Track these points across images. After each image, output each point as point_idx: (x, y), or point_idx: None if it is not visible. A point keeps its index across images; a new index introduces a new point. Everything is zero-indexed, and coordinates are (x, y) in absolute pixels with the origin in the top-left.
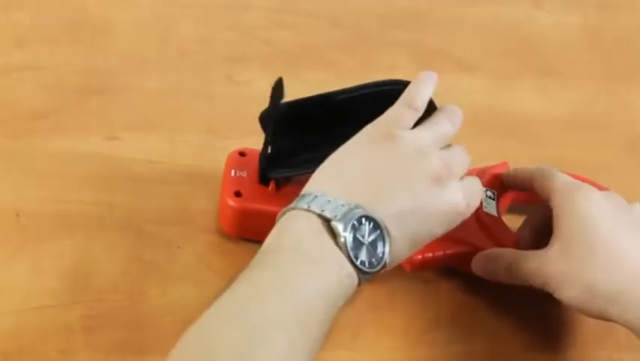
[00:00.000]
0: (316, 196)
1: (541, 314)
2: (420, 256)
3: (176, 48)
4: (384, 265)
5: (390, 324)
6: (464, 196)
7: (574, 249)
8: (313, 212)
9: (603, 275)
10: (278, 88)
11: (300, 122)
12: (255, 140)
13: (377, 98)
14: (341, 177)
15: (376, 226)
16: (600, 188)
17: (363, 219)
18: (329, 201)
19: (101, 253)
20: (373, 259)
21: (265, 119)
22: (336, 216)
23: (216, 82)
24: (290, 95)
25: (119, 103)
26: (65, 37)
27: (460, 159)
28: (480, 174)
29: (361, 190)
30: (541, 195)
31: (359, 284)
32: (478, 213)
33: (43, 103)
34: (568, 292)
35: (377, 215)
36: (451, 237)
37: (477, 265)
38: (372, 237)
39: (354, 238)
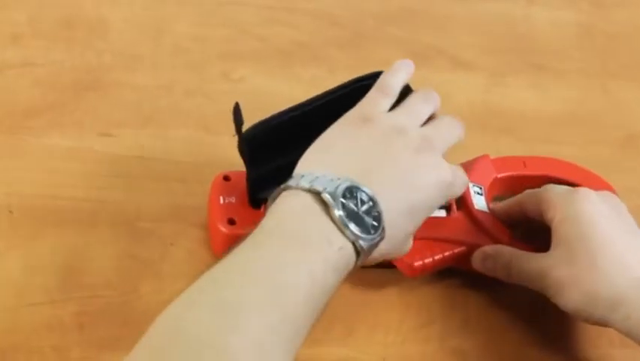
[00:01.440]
0: (303, 175)
1: (534, 311)
2: (420, 262)
3: (171, 45)
4: (382, 232)
5: (384, 320)
6: (449, 167)
7: (575, 255)
8: (302, 188)
9: (605, 282)
10: (236, 114)
11: (281, 139)
12: None
13: (358, 93)
14: (326, 156)
15: (367, 196)
16: (602, 184)
17: (354, 190)
18: (317, 177)
19: (94, 250)
20: (370, 228)
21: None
22: (325, 188)
23: (210, 79)
24: (285, 92)
25: (113, 100)
26: (60, 35)
27: (444, 132)
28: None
29: (348, 165)
30: (535, 215)
31: (358, 256)
32: (471, 212)
33: (38, 100)
34: (568, 299)
35: (367, 186)
36: (447, 238)
37: (476, 261)
38: (364, 207)
39: (347, 208)
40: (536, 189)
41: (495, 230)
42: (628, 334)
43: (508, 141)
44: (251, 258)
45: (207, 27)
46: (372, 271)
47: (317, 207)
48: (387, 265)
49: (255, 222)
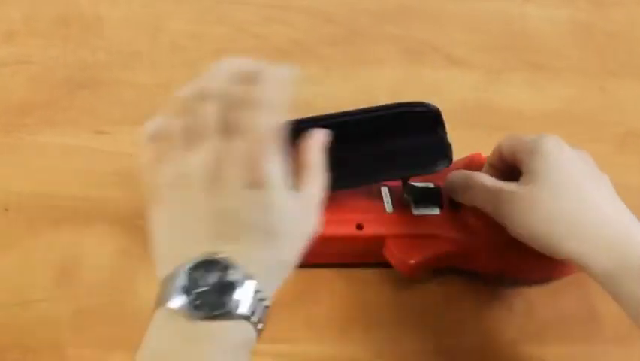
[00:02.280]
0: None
1: (528, 309)
2: (414, 261)
3: (167, 43)
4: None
5: (379, 318)
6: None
7: (540, 181)
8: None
9: (566, 208)
10: None
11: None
12: None
13: (399, 118)
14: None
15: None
16: None
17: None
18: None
19: (90, 248)
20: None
21: None
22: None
23: None
24: None
25: (109, 97)
26: (55, 32)
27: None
28: (455, 167)
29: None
30: (508, 156)
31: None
32: (464, 210)
33: (33, 97)
34: (528, 220)
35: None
36: (441, 236)
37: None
38: (212, 278)
39: (184, 298)
40: (513, 133)
41: (489, 227)
42: (578, 261)
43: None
44: None
45: (204, 25)
46: (368, 270)
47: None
48: (382, 263)
49: None
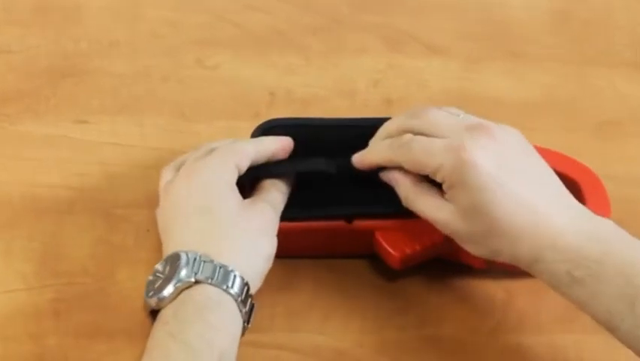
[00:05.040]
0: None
1: (509, 299)
2: (401, 254)
3: (146, 31)
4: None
5: (360, 307)
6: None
7: (471, 218)
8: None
9: (504, 241)
10: None
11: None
12: (225, 123)
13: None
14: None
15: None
16: (582, 169)
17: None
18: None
19: (71, 237)
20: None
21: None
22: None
23: (186, 65)
24: (260, 78)
25: (89, 87)
26: (35, 21)
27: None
28: None
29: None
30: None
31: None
32: None
33: (13, 87)
34: (471, 250)
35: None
36: (429, 229)
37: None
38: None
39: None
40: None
41: None
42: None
43: None
44: None
45: (183, 13)
46: (348, 259)
47: None
48: (368, 254)
49: None
